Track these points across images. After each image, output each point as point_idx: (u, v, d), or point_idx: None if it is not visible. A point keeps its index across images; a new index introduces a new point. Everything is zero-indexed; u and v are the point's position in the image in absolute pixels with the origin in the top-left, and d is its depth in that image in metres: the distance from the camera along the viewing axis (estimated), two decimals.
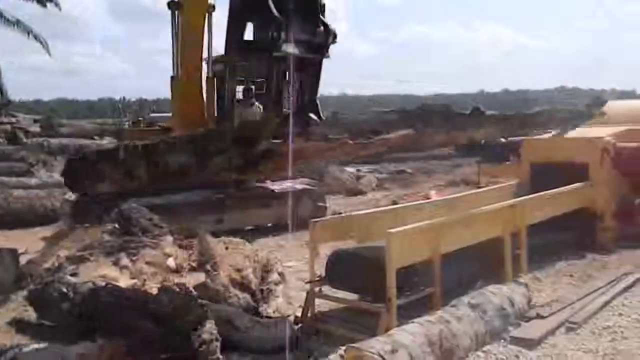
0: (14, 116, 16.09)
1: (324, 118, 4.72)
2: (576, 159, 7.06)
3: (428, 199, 10.46)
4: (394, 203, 10.64)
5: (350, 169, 14.86)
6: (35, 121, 17.62)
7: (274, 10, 4.34)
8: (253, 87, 9.24)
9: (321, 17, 4.98)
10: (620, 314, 4.77)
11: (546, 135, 7.84)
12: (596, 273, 5.96)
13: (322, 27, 4.62)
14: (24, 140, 14.70)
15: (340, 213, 9.13)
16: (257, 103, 9.57)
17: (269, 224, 8.89)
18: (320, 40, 4.68)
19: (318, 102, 5.44)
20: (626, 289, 5.35)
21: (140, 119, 14.09)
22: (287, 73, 6.82)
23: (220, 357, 3.24)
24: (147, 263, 4.62)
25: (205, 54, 9.25)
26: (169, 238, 5.15)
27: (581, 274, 5.98)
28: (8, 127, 15.11)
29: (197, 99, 9.14)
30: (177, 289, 3.91)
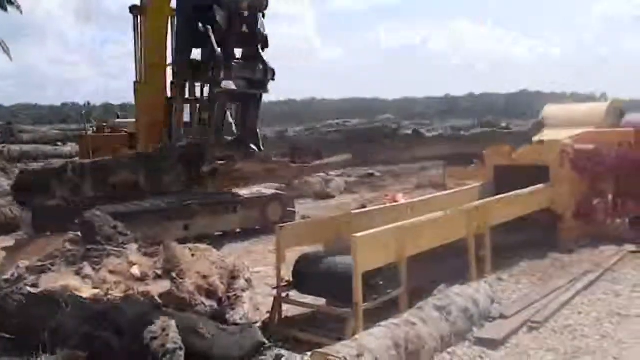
0: None
1: (263, 149, 5.06)
2: (537, 161, 7.23)
3: (396, 202, 10.55)
4: (363, 206, 10.71)
5: (319, 173, 14.91)
6: None
7: (215, 46, 4.52)
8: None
9: (261, 54, 5.25)
10: (580, 313, 4.90)
11: None
12: (557, 272, 6.11)
13: (261, 65, 4.90)
14: None
15: (309, 217, 9.17)
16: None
17: (237, 230, 8.88)
18: (259, 77, 4.94)
19: (259, 131, 5.77)
20: (586, 287, 5.50)
21: (104, 125, 13.85)
22: (228, 105, 7.24)
23: None
24: (110, 272, 4.53)
25: (169, 59, 9.02)
26: (134, 246, 5.07)
27: (543, 274, 6.11)
28: None
29: (160, 104, 9.01)
30: (141, 298, 3.87)
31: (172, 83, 9.03)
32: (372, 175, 16.68)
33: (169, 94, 9.02)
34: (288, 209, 9.45)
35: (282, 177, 7.26)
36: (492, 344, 4.21)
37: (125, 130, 12.81)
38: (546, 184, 7.08)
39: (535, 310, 4.82)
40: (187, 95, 8.81)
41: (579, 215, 7.25)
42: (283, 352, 4.07)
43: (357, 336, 3.76)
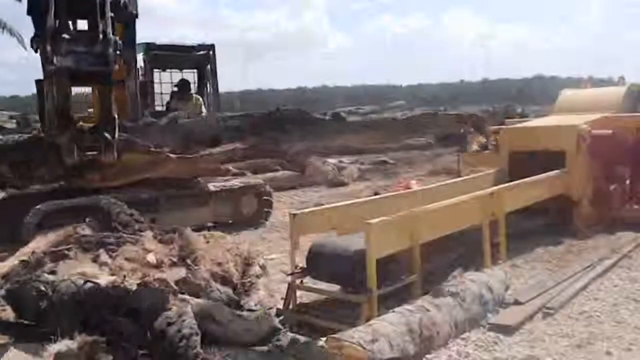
0: None
1: (116, 137, 4.40)
2: (553, 147, 7.15)
3: (409, 189, 10.52)
4: (376, 194, 10.70)
5: (332, 160, 14.89)
6: (11, 117, 17.30)
7: (52, 14, 3.85)
8: None
9: (100, 23, 4.49)
10: (596, 299, 4.87)
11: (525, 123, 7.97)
12: (573, 258, 6.06)
13: (101, 36, 4.15)
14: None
15: (322, 204, 9.18)
16: (196, 96, 9.20)
17: (209, 224, 8.24)
18: (98, 50, 4.18)
19: (116, 117, 4.87)
20: (602, 274, 5.46)
21: None
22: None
23: (200, 351, 3.24)
24: (126, 259, 4.59)
25: None
26: (149, 233, 5.13)
27: (558, 260, 6.07)
28: None
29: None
30: (157, 285, 3.91)
31: None
32: (385, 162, 16.62)
33: None
34: (265, 197, 9.03)
35: (167, 170, 6.56)
36: (507, 330, 4.20)
37: None
38: (562, 170, 7.01)
39: (550, 297, 4.79)
40: None
41: (595, 201, 7.18)
42: (298, 337, 4.11)
43: (371, 322, 3.78)
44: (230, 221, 8.57)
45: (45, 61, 4.20)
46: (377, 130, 6.23)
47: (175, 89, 9.59)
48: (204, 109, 9.32)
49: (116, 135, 4.31)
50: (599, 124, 7.38)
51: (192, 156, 4.53)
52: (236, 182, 8.96)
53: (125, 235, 5.08)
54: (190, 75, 9.82)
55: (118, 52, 4.29)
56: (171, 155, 4.41)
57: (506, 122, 9.33)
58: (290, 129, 5.07)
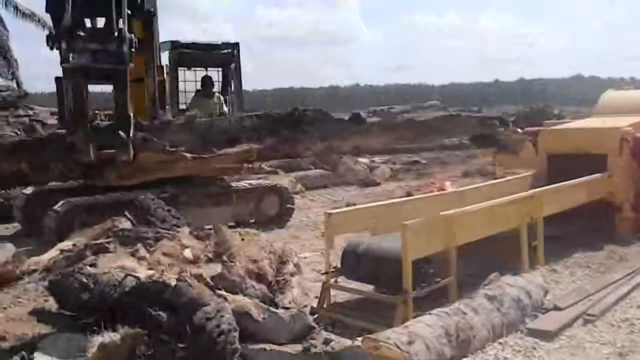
0: (31, 109, 16.19)
1: (131, 136, 4.28)
2: (594, 150, 6.98)
3: (443, 190, 10.41)
4: (408, 194, 10.62)
5: (364, 160, 14.86)
6: (52, 113, 17.70)
7: (69, 12, 3.74)
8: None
9: (116, 21, 4.34)
10: (639, 307, 4.73)
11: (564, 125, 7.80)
12: (614, 265, 5.91)
13: (116, 33, 4.00)
14: (42, 132, 14.83)
15: (354, 204, 9.15)
16: (217, 94, 9.17)
17: (229, 223, 7.76)
18: (113, 48, 4.06)
19: (131, 115, 4.71)
20: None
21: None
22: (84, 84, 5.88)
23: (239, 347, 3.27)
24: (164, 254, 4.65)
25: None
26: (186, 229, 5.19)
27: (599, 266, 5.93)
28: (26, 119, 15.20)
29: None
30: (195, 280, 3.95)
31: None
32: (417, 162, 16.50)
33: None
34: (288, 205, 8.89)
35: (181, 168, 6.40)
36: (546, 336, 4.11)
37: None
38: (603, 173, 6.83)
39: (591, 303, 4.68)
40: None
41: (638, 206, 6.98)
42: (332, 336, 4.11)
43: (407, 323, 3.75)
44: (252, 220, 8.51)
45: (62, 59, 4.23)
46: (395, 132, 6.10)
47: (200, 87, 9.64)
48: (225, 108, 9.34)
49: (131, 133, 4.33)
50: None
51: (208, 156, 4.51)
52: (260, 182, 8.92)
53: (162, 230, 5.15)
54: (216, 74, 9.84)
55: (134, 50, 4.28)
56: (186, 154, 4.40)
57: (544, 124, 9.12)
58: (310, 129, 4.98)
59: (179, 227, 5.23)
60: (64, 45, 4.27)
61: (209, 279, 4.26)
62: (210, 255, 4.86)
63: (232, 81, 9.51)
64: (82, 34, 4.27)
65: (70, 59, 4.28)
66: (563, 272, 5.73)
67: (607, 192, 6.83)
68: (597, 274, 5.62)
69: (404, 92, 48.29)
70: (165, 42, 8.69)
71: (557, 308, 4.55)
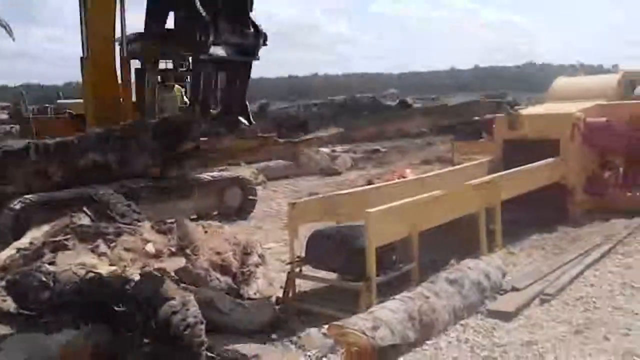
0: None
1: (253, 122, 4.48)
2: (547, 135, 7.20)
3: (404, 177, 10.55)
4: (370, 182, 10.72)
5: (324, 149, 14.89)
6: (2, 108, 17.08)
7: (200, 7, 3.93)
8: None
9: (251, 17, 4.52)
10: (592, 285, 4.93)
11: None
12: (568, 245, 6.13)
13: (252, 29, 4.21)
14: None
15: (317, 193, 9.19)
16: (177, 86, 9.13)
17: (192, 216, 7.77)
18: (250, 43, 4.27)
19: (247, 103, 4.95)
20: (597, 260, 5.52)
21: (46, 106, 13.51)
22: (215, 74, 6.38)
23: (205, 339, 3.26)
24: (125, 249, 4.58)
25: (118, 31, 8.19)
26: (147, 224, 5.11)
27: (553, 247, 6.14)
28: None
29: (110, 81, 8.22)
30: (158, 274, 3.91)
31: (121, 58, 8.16)
32: (377, 150, 16.64)
33: (118, 69, 8.20)
34: (250, 197, 8.82)
35: (270, 153, 6.56)
36: (505, 316, 4.25)
37: (70, 110, 12.04)
38: (556, 158, 7.06)
39: (547, 283, 4.85)
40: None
41: (589, 188, 7.25)
42: (298, 326, 4.14)
43: (372, 309, 3.81)
44: (215, 213, 8.41)
45: (199, 50, 4.19)
46: (431, 116, 6.24)
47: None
48: (185, 99, 9.24)
49: (251, 120, 4.43)
50: (593, 112, 7.44)
51: (298, 140, 4.62)
52: (219, 174, 8.74)
53: (122, 225, 5.06)
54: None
55: (266, 45, 4.37)
56: (279, 139, 4.49)
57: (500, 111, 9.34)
58: (366, 114, 5.11)
59: (139, 221, 5.15)
60: (210, 38, 4.26)
61: (172, 273, 4.23)
62: (173, 249, 4.81)
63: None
64: (224, 26, 4.26)
65: (210, 50, 4.32)
66: (520, 254, 5.92)
67: (560, 176, 7.06)
68: (552, 255, 5.83)
69: (361, 81, 48.52)
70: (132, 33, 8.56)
71: (515, 289, 4.71)
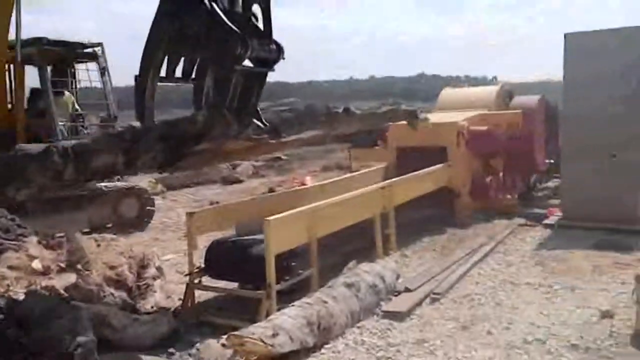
0: None
1: (267, 124, 4.72)
2: (436, 142, 7.63)
3: (304, 184, 10.72)
4: (271, 190, 10.80)
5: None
6: None
7: (233, 26, 4.07)
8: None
9: (272, 33, 4.82)
10: (477, 283, 5.30)
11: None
12: (456, 246, 6.52)
13: (274, 45, 4.49)
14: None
15: (217, 202, 9.10)
16: (67, 93, 8.81)
17: (85, 229, 7.48)
18: (274, 57, 4.55)
19: (259, 109, 5.19)
20: (481, 259, 5.94)
21: None
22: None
23: (98, 358, 3.14)
24: (9, 267, 4.30)
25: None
26: (34, 239, 4.83)
27: (442, 248, 6.52)
28: None
29: None
30: (46, 292, 3.72)
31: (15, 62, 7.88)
32: (278, 158, 16.76)
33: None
34: (148, 207, 8.71)
35: (261, 154, 6.63)
36: (398, 317, 4.46)
37: None
38: (444, 164, 7.51)
39: (436, 283, 5.14)
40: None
41: (474, 192, 7.77)
42: (197, 337, 4.10)
43: (271, 317, 3.86)
44: (110, 225, 8.15)
45: (231, 61, 4.13)
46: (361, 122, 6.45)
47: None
48: (77, 106, 8.95)
49: (265, 122, 4.47)
50: (476, 121, 7.99)
51: (286, 140, 4.64)
52: (113, 184, 8.38)
53: (6, 241, 4.74)
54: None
55: (284, 59, 4.53)
56: (271, 140, 4.46)
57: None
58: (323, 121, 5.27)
59: (25, 236, 4.85)
60: (248, 52, 4.21)
61: (62, 291, 4.04)
62: (62, 264, 4.59)
63: (103, 79, 9.04)
64: (254, 43, 4.24)
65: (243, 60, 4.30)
66: (413, 257, 6.22)
67: (448, 180, 7.52)
68: (442, 256, 6.18)
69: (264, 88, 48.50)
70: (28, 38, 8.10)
71: (407, 290, 4.95)
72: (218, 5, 4.03)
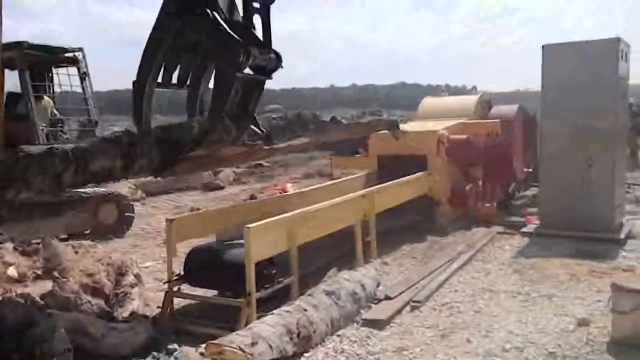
0: None
1: (264, 130, 4.78)
2: (416, 151, 7.69)
3: (285, 191, 10.72)
4: (252, 197, 10.78)
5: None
6: None
7: (235, 36, 4.12)
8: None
9: (271, 42, 4.92)
10: (456, 291, 5.33)
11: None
12: (435, 254, 6.56)
13: (274, 55, 4.56)
14: None
15: (198, 209, 9.06)
16: (46, 98, 8.82)
17: (62, 236, 7.52)
18: (272, 67, 4.62)
19: (255, 117, 5.28)
20: (461, 267, 5.98)
21: None
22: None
23: None
24: None
25: None
26: (9, 245, 4.76)
27: (422, 256, 6.55)
28: None
29: None
30: (21, 300, 3.66)
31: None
32: (260, 165, 16.73)
33: None
34: (127, 213, 8.65)
35: (254, 159, 6.66)
36: (378, 324, 4.47)
37: None
38: (424, 172, 7.57)
39: (416, 291, 5.17)
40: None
41: (454, 200, 7.84)
42: (175, 346, 4.06)
43: (250, 325, 3.84)
44: (88, 231, 8.08)
45: (234, 67, 4.13)
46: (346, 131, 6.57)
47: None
48: (55, 111, 8.87)
49: (263, 129, 4.50)
50: (455, 130, 8.08)
51: (278, 147, 4.70)
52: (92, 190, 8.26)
53: None
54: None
55: (282, 67, 4.57)
56: (265, 147, 4.50)
57: None
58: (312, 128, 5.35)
59: (1, 243, 4.78)
60: (250, 60, 4.20)
61: (38, 298, 3.98)
62: (39, 271, 4.54)
63: (83, 84, 8.96)
64: (255, 51, 4.26)
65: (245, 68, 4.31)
66: (393, 264, 6.24)
67: (428, 188, 7.58)
68: (421, 264, 6.22)
69: None
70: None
71: (388, 298, 4.97)
72: (219, 15, 4.05)
